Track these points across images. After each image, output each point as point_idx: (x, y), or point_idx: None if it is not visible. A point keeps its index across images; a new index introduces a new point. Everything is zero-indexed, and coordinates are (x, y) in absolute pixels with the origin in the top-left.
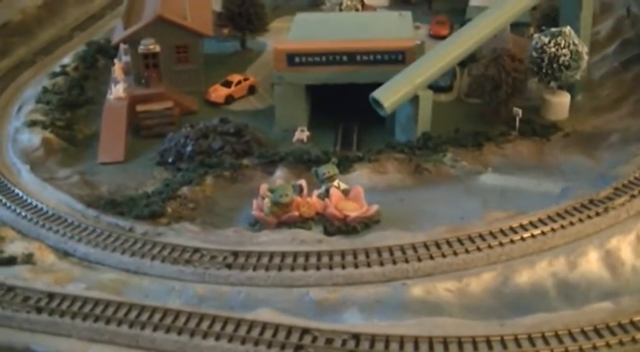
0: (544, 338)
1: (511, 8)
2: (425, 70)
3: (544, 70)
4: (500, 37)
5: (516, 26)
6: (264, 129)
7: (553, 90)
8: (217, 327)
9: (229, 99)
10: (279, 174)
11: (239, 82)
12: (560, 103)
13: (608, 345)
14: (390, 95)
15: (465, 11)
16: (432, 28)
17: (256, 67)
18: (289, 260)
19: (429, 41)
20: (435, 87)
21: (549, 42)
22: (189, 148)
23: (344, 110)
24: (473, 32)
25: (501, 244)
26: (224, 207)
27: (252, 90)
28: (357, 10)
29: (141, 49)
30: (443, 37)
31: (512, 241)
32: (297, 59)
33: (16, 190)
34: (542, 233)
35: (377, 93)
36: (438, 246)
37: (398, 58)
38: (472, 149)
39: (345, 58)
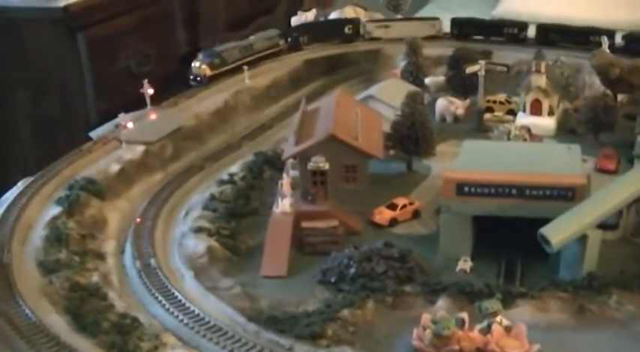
0: None
1: None
2: (596, 209)
3: None
4: None
5: None
6: (427, 256)
7: None
8: None
9: (393, 222)
10: (441, 305)
11: (404, 206)
12: None
13: None
14: (558, 233)
15: (632, 145)
16: (599, 161)
17: (421, 190)
18: None
19: (595, 175)
20: (600, 224)
21: None
22: (352, 270)
23: (507, 242)
24: None
25: None
26: (383, 334)
27: (416, 214)
28: (524, 139)
29: (310, 165)
30: (610, 172)
31: None
32: (465, 189)
33: (179, 296)
34: None
35: (545, 230)
36: None
37: (567, 195)
38: (639, 292)
39: (514, 190)
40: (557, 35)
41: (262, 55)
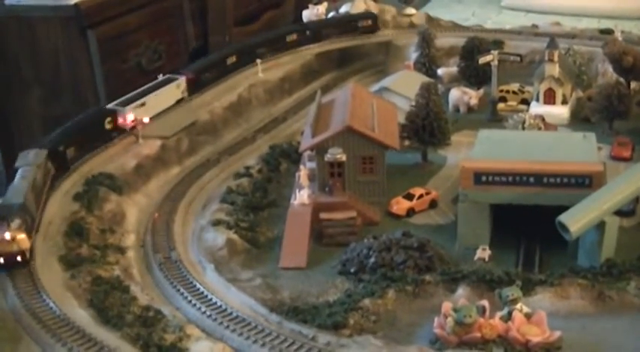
0: None
1: None
2: (613, 196)
3: None
4: None
5: None
6: (445, 245)
7: None
8: None
9: (410, 212)
10: (461, 293)
11: (421, 196)
12: None
13: None
14: (577, 220)
15: None
16: (614, 149)
17: (437, 180)
18: None
19: (610, 163)
20: (616, 211)
21: None
22: (371, 260)
23: (525, 230)
24: None
25: None
26: (405, 322)
27: (433, 204)
28: (539, 128)
29: (327, 157)
30: (625, 159)
31: None
32: (483, 178)
33: (202, 288)
34: None
35: (564, 218)
36: None
37: (585, 182)
38: None
39: (531, 179)
40: (326, 29)
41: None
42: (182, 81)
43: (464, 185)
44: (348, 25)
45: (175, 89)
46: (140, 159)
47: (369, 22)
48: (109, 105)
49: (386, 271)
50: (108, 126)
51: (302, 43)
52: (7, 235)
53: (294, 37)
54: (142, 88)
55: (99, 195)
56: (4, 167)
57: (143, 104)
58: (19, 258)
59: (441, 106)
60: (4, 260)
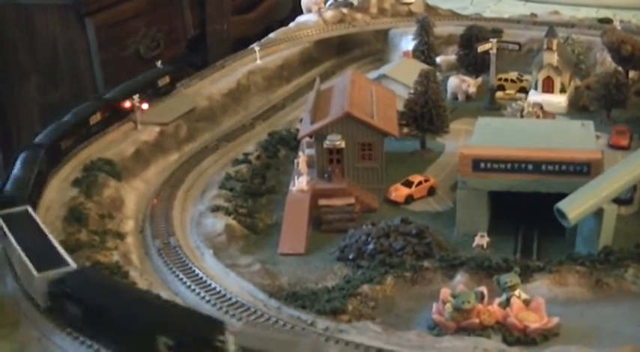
0: None
1: None
2: (612, 183)
3: None
4: None
5: None
6: (444, 232)
7: None
8: None
9: (409, 199)
10: (460, 279)
11: (420, 183)
12: None
13: None
14: (575, 207)
15: None
16: (612, 138)
17: (435, 167)
18: None
19: (608, 151)
20: (614, 199)
21: None
22: (370, 246)
23: (523, 217)
24: None
25: None
26: (403, 308)
27: (431, 191)
28: (537, 116)
29: (326, 144)
30: (623, 148)
31: None
32: (482, 165)
33: (201, 274)
34: None
35: (562, 205)
36: None
37: (583, 170)
38: None
39: (530, 166)
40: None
41: None
42: None
43: (462, 172)
44: (150, 87)
45: None
46: (139, 145)
47: (167, 79)
48: None
49: (384, 257)
50: None
51: (109, 124)
52: None
53: (98, 117)
54: None
55: (98, 181)
56: (1, 154)
57: None
58: None
59: (440, 94)
60: None
